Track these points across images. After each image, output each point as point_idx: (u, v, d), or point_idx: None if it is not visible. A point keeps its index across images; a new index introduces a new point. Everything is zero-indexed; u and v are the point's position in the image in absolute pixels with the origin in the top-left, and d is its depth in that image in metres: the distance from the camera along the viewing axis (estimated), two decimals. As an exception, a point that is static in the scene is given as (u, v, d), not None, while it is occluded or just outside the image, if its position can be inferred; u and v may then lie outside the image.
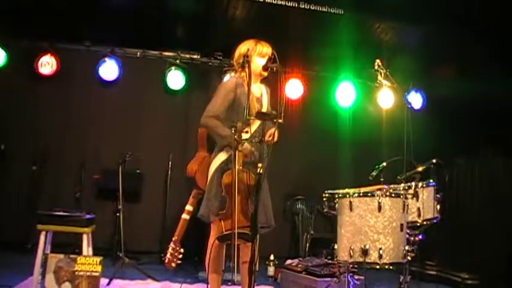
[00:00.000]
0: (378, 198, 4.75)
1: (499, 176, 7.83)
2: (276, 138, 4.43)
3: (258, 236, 4.10)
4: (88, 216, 5.65)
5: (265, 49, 4.75)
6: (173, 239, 4.96)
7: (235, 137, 4.11)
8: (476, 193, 8.09)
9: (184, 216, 5.01)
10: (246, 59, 4.53)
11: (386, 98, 8.61)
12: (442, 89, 8.66)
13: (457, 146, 8.27)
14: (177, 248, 4.88)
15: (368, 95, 8.95)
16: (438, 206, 5.53)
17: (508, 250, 7.30)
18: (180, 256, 4.91)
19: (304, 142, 8.60)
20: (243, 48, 4.78)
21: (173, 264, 4.84)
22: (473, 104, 8.04)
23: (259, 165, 4.06)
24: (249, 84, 4.42)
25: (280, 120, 4.19)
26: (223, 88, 4.79)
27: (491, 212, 7.72)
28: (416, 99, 8.92)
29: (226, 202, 4.30)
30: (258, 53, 4.71)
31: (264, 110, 4.72)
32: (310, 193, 8.40)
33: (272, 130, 4.40)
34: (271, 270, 6.96)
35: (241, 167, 4.26)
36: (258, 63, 4.68)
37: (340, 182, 8.15)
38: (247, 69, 4.48)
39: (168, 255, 4.85)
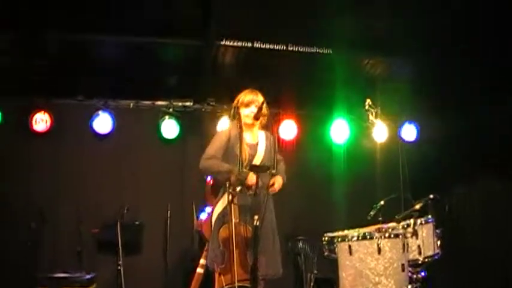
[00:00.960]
0: (377, 240, 4.74)
1: (498, 203, 7.82)
2: (277, 188, 4.49)
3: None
4: (88, 276, 5.64)
5: (248, 97, 4.86)
6: None
7: (230, 190, 4.12)
8: (475, 221, 8.08)
9: (199, 270, 5.00)
10: (236, 110, 4.60)
11: (380, 131, 8.62)
12: (435, 119, 8.69)
13: (454, 175, 8.29)
14: None
15: (362, 130, 8.94)
16: (438, 242, 5.53)
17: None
18: None
19: (301, 181, 8.56)
20: (235, 100, 4.88)
21: None
22: (467, 133, 8.08)
23: (256, 217, 4.07)
24: (240, 135, 4.47)
25: (274, 171, 4.23)
26: (218, 135, 5.06)
27: (492, 240, 7.70)
28: (410, 131, 8.93)
29: (225, 256, 4.30)
30: (241, 103, 4.82)
31: (260, 157, 4.77)
32: (310, 232, 8.32)
33: (272, 181, 4.42)
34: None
35: (237, 220, 4.26)
36: (244, 112, 4.77)
37: (339, 220, 8.28)
38: (237, 121, 4.55)
39: None
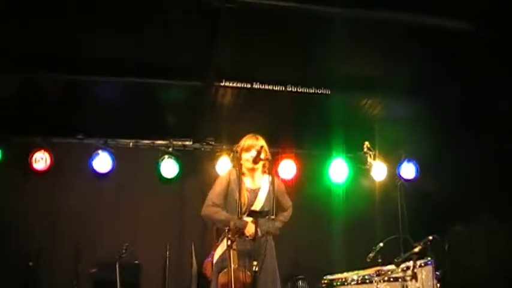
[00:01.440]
0: (376, 284, 4.74)
1: (497, 242, 7.79)
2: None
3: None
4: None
5: (249, 142, 4.89)
6: None
7: (229, 236, 4.13)
8: (475, 260, 8.04)
9: None
10: (236, 155, 4.64)
11: (379, 170, 8.64)
12: (434, 158, 8.71)
13: (453, 214, 8.27)
14: None
15: (361, 169, 8.94)
16: (438, 284, 5.49)
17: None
18: None
19: (300, 221, 8.49)
20: (236, 146, 4.93)
21: None
22: (465, 170, 8.09)
23: (255, 263, 4.07)
24: (239, 180, 4.50)
25: (272, 217, 4.26)
26: (218, 180, 5.07)
27: (492, 277, 7.66)
28: (409, 170, 8.95)
29: (224, 301, 4.29)
30: (242, 148, 4.85)
31: (260, 203, 4.78)
32: (310, 272, 8.29)
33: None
34: None
35: (236, 266, 4.26)
36: (245, 157, 4.80)
37: (338, 259, 8.25)
38: (237, 165, 4.59)
39: None
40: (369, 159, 5.94)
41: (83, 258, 7.94)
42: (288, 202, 5.24)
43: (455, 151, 8.19)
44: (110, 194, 8.44)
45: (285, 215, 5.14)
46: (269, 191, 4.85)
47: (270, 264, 4.81)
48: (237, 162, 4.64)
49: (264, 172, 4.98)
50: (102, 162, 8.28)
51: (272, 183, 4.76)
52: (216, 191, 4.92)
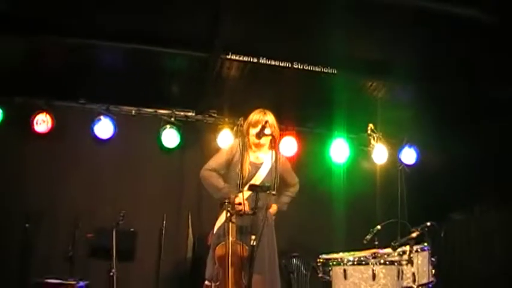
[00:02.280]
0: (372, 266, 4.75)
1: (494, 231, 7.82)
2: (273, 212, 4.50)
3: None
4: (81, 283, 5.64)
5: (256, 117, 4.89)
6: None
7: (229, 209, 4.12)
8: (472, 248, 8.07)
9: (207, 282, 4.89)
10: (240, 128, 4.62)
11: (380, 153, 8.63)
12: (435, 144, 8.71)
13: (452, 201, 8.29)
14: None
15: (362, 151, 8.96)
16: (433, 270, 5.52)
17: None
18: None
19: (299, 199, 8.52)
20: (240, 119, 4.92)
21: None
22: (466, 159, 8.09)
23: (253, 237, 4.07)
24: (242, 154, 4.48)
25: (273, 192, 4.25)
26: (223, 150, 5.15)
27: (488, 267, 7.69)
28: (409, 155, 8.95)
29: (220, 274, 4.29)
30: (248, 123, 4.83)
31: (260, 178, 4.77)
32: (305, 250, 8.35)
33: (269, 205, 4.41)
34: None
35: (234, 239, 4.26)
36: (251, 132, 4.78)
37: (335, 240, 8.28)
38: (243, 139, 4.58)
39: None
40: (372, 141, 5.93)
41: (80, 223, 7.98)
42: (294, 179, 5.34)
43: (457, 139, 8.19)
44: (110, 160, 8.42)
45: (292, 190, 5.25)
46: (272, 167, 4.82)
47: (268, 240, 4.82)
48: (241, 135, 4.61)
49: (271, 148, 4.93)
50: (104, 128, 8.24)
51: (275, 159, 4.74)
52: (218, 159, 4.99)
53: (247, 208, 4.48)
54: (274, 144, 4.55)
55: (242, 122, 4.75)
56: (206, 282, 4.71)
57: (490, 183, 7.97)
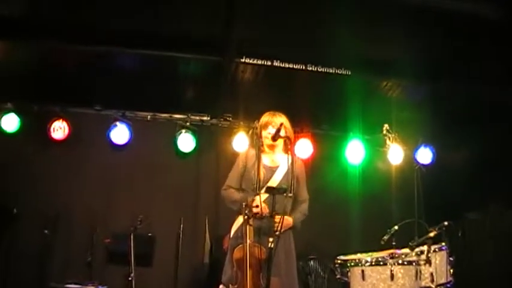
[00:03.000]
0: (390, 266, 4.74)
1: (511, 229, 7.77)
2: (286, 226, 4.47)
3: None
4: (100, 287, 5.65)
5: (269, 119, 4.87)
6: None
7: (246, 211, 4.13)
8: (489, 247, 8.02)
9: (221, 286, 4.91)
10: (255, 131, 4.63)
11: (395, 154, 8.61)
12: (451, 144, 8.67)
13: (468, 201, 8.25)
14: None
15: (377, 152, 8.92)
16: (451, 270, 5.49)
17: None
18: None
19: (315, 201, 8.50)
20: (256, 122, 4.89)
21: None
22: (483, 158, 8.05)
23: (270, 239, 4.08)
24: (258, 157, 4.49)
25: (290, 194, 4.25)
26: (237, 160, 5.04)
27: (505, 266, 7.64)
28: (425, 155, 8.91)
29: (238, 277, 4.31)
30: (261, 125, 4.83)
31: (276, 181, 4.75)
32: (322, 252, 8.32)
33: (279, 221, 4.34)
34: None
35: (252, 241, 4.27)
36: (264, 134, 4.78)
37: (352, 241, 8.26)
38: (256, 143, 4.58)
39: None
40: (387, 141, 5.91)
41: (98, 229, 8.03)
42: (304, 193, 5.13)
43: (473, 138, 8.15)
44: (127, 165, 8.48)
45: (303, 208, 5.09)
46: (288, 170, 4.75)
47: (285, 243, 4.80)
48: (256, 138, 4.61)
49: (285, 151, 4.89)
50: (120, 133, 8.30)
51: (292, 163, 4.72)
52: (232, 175, 4.97)
53: (264, 210, 4.47)
54: (290, 147, 4.52)
55: (257, 125, 4.73)
56: (221, 286, 4.72)
57: (506, 182, 7.92)
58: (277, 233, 4.29)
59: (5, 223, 8.00)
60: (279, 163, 4.88)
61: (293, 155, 4.49)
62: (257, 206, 4.39)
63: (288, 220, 4.58)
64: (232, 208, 4.85)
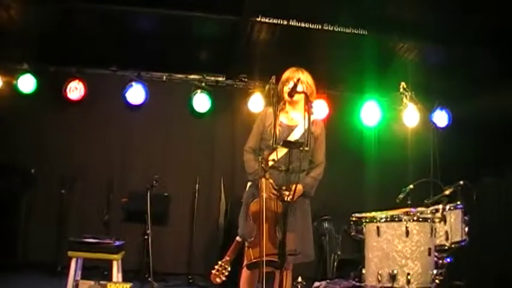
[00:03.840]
0: (405, 223, 4.76)
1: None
2: (295, 197, 4.42)
3: (290, 263, 4.17)
4: (117, 243, 5.74)
5: (287, 74, 4.82)
6: (225, 258, 4.92)
7: (262, 165, 4.14)
8: (503, 212, 8.01)
9: (238, 238, 4.94)
10: (272, 86, 4.58)
11: (411, 116, 8.56)
12: (467, 107, 8.60)
13: (484, 165, 8.21)
14: (226, 266, 4.83)
15: (393, 114, 8.86)
16: (466, 229, 5.51)
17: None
18: (227, 274, 4.87)
19: (330, 162, 8.48)
20: (273, 77, 4.76)
21: (218, 280, 4.76)
22: (499, 122, 7.99)
23: (286, 193, 4.10)
24: (274, 113, 4.48)
25: (306, 148, 4.25)
26: (256, 121, 4.94)
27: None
28: (441, 118, 8.85)
29: (254, 230, 4.34)
30: (281, 81, 4.78)
31: (293, 138, 4.68)
32: (336, 213, 8.35)
33: (292, 190, 4.29)
34: (299, 292, 6.94)
35: (269, 195, 4.29)
36: (284, 89, 4.73)
37: (367, 202, 8.29)
38: (273, 98, 4.54)
39: (215, 271, 4.81)
40: (404, 100, 5.89)
41: (115, 188, 8.12)
42: (321, 156, 4.96)
43: (489, 101, 8.08)
44: (142, 126, 8.53)
45: (316, 172, 4.89)
46: (306, 131, 4.54)
47: (303, 204, 4.79)
48: (273, 94, 4.56)
49: (305, 110, 4.53)
50: (136, 94, 8.33)
51: (308, 118, 4.56)
52: (253, 135, 4.86)
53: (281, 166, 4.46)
54: (307, 103, 4.43)
55: (274, 81, 4.66)
56: (237, 238, 4.75)
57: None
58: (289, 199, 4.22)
59: (23, 183, 8.12)
60: (297, 122, 4.78)
61: (309, 111, 4.39)
62: (274, 160, 4.39)
63: (298, 189, 4.49)
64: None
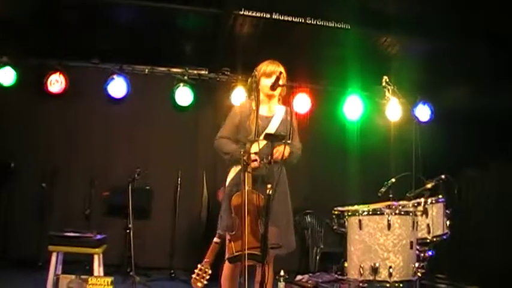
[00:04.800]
0: (387, 216, 4.76)
1: (509, 189, 7.80)
2: (286, 155, 4.48)
3: (272, 257, 4.16)
4: (99, 236, 5.70)
5: (270, 68, 4.80)
6: (204, 260, 4.89)
7: (245, 158, 4.12)
8: (485, 206, 8.06)
9: (216, 239, 4.93)
10: (254, 79, 4.57)
11: (394, 110, 8.58)
12: (450, 101, 8.65)
13: (466, 158, 8.26)
14: (206, 270, 4.80)
15: (376, 108, 8.90)
16: (448, 222, 5.54)
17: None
18: (207, 277, 4.84)
19: (312, 156, 8.46)
20: (255, 70, 4.80)
21: (199, 284, 4.74)
22: (481, 116, 8.03)
23: (269, 186, 4.08)
24: (257, 106, 4.45)
25: (289, 141, 4.24)
26: (231, 113, 4.95)
27: (500, 225, 7.70)
28: (424, 112, 8.91)
29: (236, 223, 4.32)
30: (262, 73, 4.76)
31: (273, 128, 4.72)
32: (319, 207, 8.36)
33: (281, 148, 4.39)
34: (281, 286, 6.90)
35: (250, 188, 4.27)
36: (264, 83, 4.72)
37: (349, 196, 8.30)
38: (255, 91, 4.53)
39: (195, 275, 4.78)
40: (387, 93, 5.88)
41: (96, 182, 8.06)
42: (298, 143, 4.99)
43: (472, 95, 8.12)
44: (124, 119, 8.47)
45: (297, 150, 4.93)
46: (283, 119, 4.78)
47: (283, 192, 4.80)
48: (256, 86, 4.55)
49: (279, 102, 4.90)
50: (117, 87, 8.27)
51: (286, 113, 4.80)
52: (227, 125, 4.88)
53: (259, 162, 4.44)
54: (287, 96, 4.46)
55: (256, 73, 4.65)
56: (215, 239, 4.73)
57: (504, 139, 7.92)
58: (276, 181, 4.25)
59: (2, 177, 8.03)
60: (274, 111, 4.85)
61: (290, 104, 4.43)
62: (256, 153, 4.36)
63: (287, 151, 4.52)
64: (224, 158, 4.82)
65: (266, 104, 4.85)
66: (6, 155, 8.05)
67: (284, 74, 4.76)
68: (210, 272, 4.82)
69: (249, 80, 4.65)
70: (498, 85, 7.82)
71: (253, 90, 4.58)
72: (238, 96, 8.22)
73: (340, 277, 5.89)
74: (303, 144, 5.04)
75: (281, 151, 4.43)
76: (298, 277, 6.48)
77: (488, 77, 7.91)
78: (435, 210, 5.42)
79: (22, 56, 8.14)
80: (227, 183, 4.76)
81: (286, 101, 5.00)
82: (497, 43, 7.52)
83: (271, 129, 4.70)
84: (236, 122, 4.81)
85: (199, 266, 4.66)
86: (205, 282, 4.69)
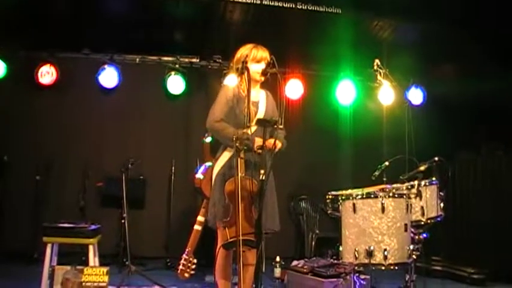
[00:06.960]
0: (381, 199, 4.76)
1: (501, 171, 7.82)
2: (278, 147, 4.45)
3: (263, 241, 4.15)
4: (93, 227, 5.68)
5: (261, 53, 4.76)
6: (186, 250, 4.89)
7: (237, 144, 4.10)
8: (478, 188, 8.08)
9: (197, 227, 4.93)
10: (244, 64, 4.52)
11: (386, 95, 8.54)
12: (442, 85, 8.65)
13: (459, 142, 8.28)
14: (190, 259, 4.82)
15: (368, 93, 8.90)
16: (442, 204, 5.54)
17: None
18: (194, 267, 4.85)
19: (305, 141, 8.58)
20: (239, 54, 4.79)
21: (186, 275, 4.76)
22: (474, 100, 8.07)
23: (262, 171, 4.07)
24: (248, 91, 4.42)
25: (280, 127, 4.22)
26: (223, 95, 4.83)
27: (493, 207, 7.72)
28: (416, 96, 8.92)
29: (230, 210, 4.31)
30: (253, 58, 4.72)
31: (261, 115, 4.70)
32: (313, 192, 8.40)
33: (272, 140, 4.34)
34: (277, 271, 6.94)
35: (243, 174, 4.26)
36: (253, 68, 4.68)
37: (343, 181, 8.30)
38: (245, 76, 4.50)
39: (181, 266, 4.79)
40: (378, 77, 5.86)
41: (90, 173, 8.04)
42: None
43: (465, 80, 8.13)
44: (116, 109, 8.45)
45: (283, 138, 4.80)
46: (267, 104, 4.79)
47: (271, 177, 4.78)
48: (247, 73, 4.51)
49: (260, 87, 4.85)
50: (109, 77, 8.24)
51: (267, 97, 4.84)
52: (221, 106, 4.75)
53: (258, 143, 4.40)
54: (278, 82, 4.41)
55: (246, 59, 4.62)
56: (196, 227, 4.71)
57: (496, 123, 7.95)
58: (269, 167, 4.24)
59: (-4, 170, 8.02)
60: (259, 98, 4.83)
61: (281, 90, 4.41)
62: (248, 139, 4.33)
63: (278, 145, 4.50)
64: (228, 144, 4.71)
65: (254, 88, 4.80)
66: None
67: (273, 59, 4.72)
68: (194, 261, 4.84)
69: (240, 66, 4.59)
70: (489, 70, 7.83)
71: (242, 75, 4.55)
72: (231, 83, 8.17)
73: (335, 261, 5.89)
74: (295, 128, 5.04)
75: (272, 144, 4.34)
76: (294, 262, 6.49)
77: (480, 61, 7.91)
78: (429, 193, 5.41)
79: (12, 49, 8.08)
80: (216, 170, 4.69)
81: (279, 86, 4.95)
82: (488, 28, 7.52)
83: (261, 114, 4.69)
84: (230, 103, 4.74)
85: (183, 256, 4.66)
86: (192, 272, 4.70)
